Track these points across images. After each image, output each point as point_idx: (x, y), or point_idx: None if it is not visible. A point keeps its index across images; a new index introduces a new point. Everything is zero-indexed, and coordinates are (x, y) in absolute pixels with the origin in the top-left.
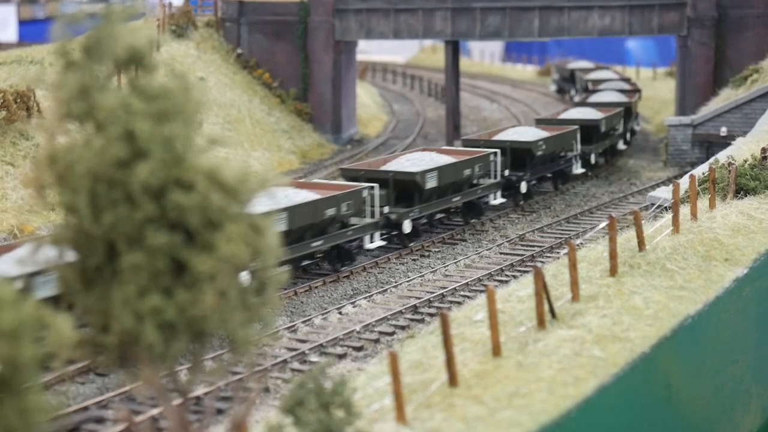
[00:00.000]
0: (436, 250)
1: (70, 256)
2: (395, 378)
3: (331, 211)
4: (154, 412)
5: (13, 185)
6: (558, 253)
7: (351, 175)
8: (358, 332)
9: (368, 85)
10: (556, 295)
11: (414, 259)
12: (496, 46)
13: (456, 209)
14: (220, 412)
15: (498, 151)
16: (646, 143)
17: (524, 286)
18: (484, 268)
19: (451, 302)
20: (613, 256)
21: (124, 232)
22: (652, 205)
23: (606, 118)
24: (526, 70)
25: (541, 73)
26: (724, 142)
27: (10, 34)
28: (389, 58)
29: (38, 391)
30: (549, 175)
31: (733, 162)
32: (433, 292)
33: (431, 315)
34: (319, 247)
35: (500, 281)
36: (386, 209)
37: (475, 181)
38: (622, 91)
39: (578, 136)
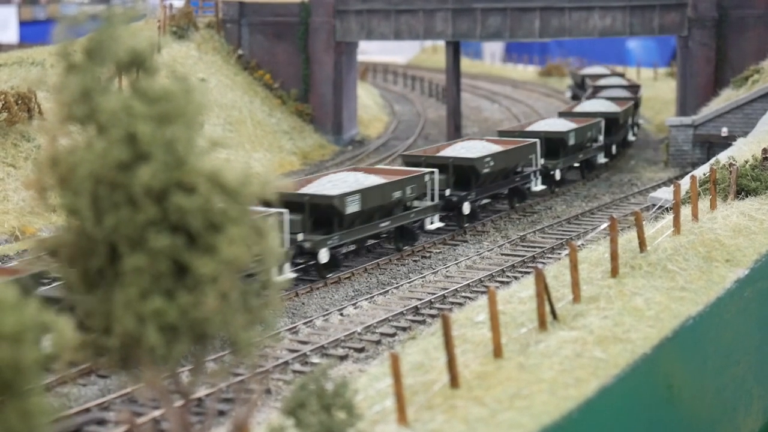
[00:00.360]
0: (437, 251)
1: (72, 258)
2: (396, 379)
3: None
4: (156, 413)
5: (15, 187)
6: (559, 254)
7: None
8: (360, 333)
9: (369, 86)
10: (558, 296)
11: (415, 260)
12: (496, 47)
13: (387, 234)
14: (221, 413)
15: (436, 170)
16: (648, 144)
17: (525, 288)
18: (485, 269)
19: (452, 303)
20: (614, 257)
21: (125, 234)
22: (653, 205)
23: (577, 129)
24: (527, 71)
25: (542, 74)
26: (725, 143)
27: (11, 35)
28: (390, 58)
29: (40, 393)
30: (504, 192)
31: (734, 163)
32: (435, 293)
33: (432, 316)
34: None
35: (501, 282)
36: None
37: (409, 204)
38: (615, 98)
39: (538, 149)
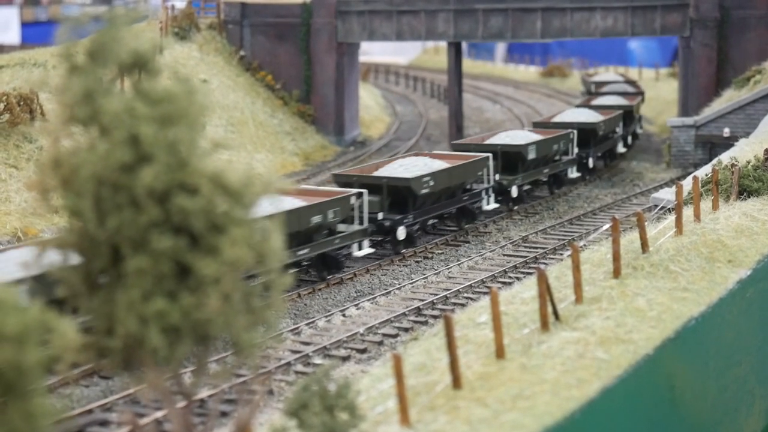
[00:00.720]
0: (439, 252)
1: (75, 259)
2: (399, 380)
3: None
4: (159, 414)
5: (17, 188)
6: (561, 254)
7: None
8: (362, 334)
9: (371, 87)
10: (560, 297)
11: (417, 261)
12: (499, 47)
13: (308, 263)
14: (224, 414)
15: (364, 191)
16: (649, 144)
17: (527, 288)
18: (487, 270)
19: (454, 304)
20: (616, 257)
21: (128, 235)
22: (655, 206)
23: (539, 142)
24: (528, 72)
25: (544, 75)
26: (727, 143)
27: (13, 36)
28: (392, 59)
29: (43, 394)
30: (451, 212)
31: (736, 163)
32: (437, 294)
33: (435, 317)
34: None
35: (503, 283)
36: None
37: (334, 229)
38: (603, 107)
39: (490, 164)
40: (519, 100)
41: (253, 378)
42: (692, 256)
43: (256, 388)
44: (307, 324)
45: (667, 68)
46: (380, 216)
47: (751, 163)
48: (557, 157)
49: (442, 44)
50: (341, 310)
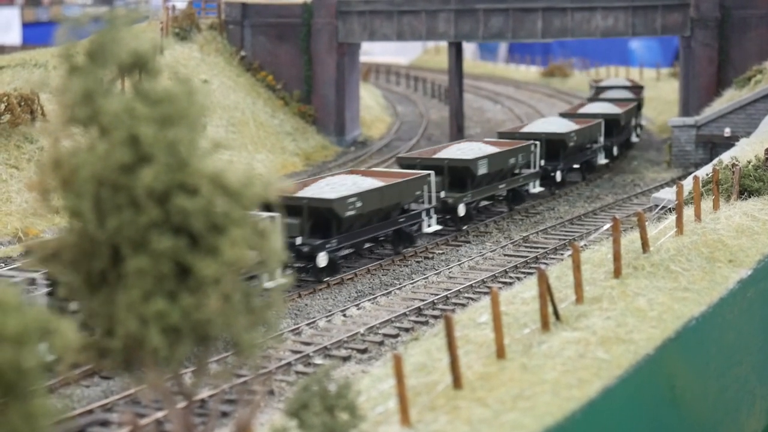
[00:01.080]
0: (440, 252)
1: (75, 260)
2: (399, 380)
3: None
4: (159, 415)
5: (18, 188)
6: (562, 254)
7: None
8: (362, 335)
9: (372, 87)
10: (560, 297)
11: (418, 261)
12: (499, 47)
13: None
14: (224, 415)
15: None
16: (650, 144)
17: (528, 288)
18: (487, 270)
19: (455, 304)
20: (617, 257)
21: (128, 236)
22: (656, 206)
23: (491, 156)
24: (529, 72)
25: (545, 75)
26: (728, 143)
27: (14, 36)
28: (392, 59)
29: (43, 394)
30: (386, 235)
31: (736, 163)
32: (437, 295)
33: (435, 317)
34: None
35: (504, 283)
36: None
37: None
38: (586, 115)
39: (432, 182)
40: (520, 100)
41: (254, 378)
42: (693, 256)
43: (257, 389)
44: (307, 324)
45: (668, 68)
46: (299, 241)
47: (751, 163)
48: (517, 171)
49: (443, 44)
50: (342, 310)
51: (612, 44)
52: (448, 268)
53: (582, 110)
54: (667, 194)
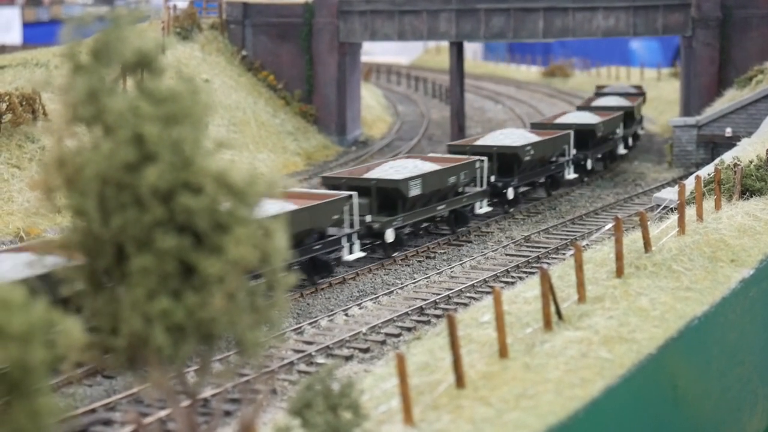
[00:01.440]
0: (442, 251)
1: (79, 259)
2: (402, 380)
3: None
4: (163, 414)
5: (19, 188)
6: (564, 254)
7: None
8: (365, 334)
9: (373, 87)
10: (563, 296)
11: (419, 261)
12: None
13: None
14: (228, 414)
15: None
16: (651, 144)
17: (530, 288)
18: (489, 270)
19: (457, 304)
20: (619, 257)
21: (132, 235)
22: (658, 206)
23: (426, 175)
24: (530, 71)
25: (546, 75)
26: (729, 143)
27: (15, 36)
28: (393, 59)
29: (48, 393)
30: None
31: (738, 163)
32: (439, 294)
33: (437, 316)
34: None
35: (506, 283)
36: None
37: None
38: (559, 125)
39: (355, 204)
40: (521, 99)
41: (257, 377)
42: (695, 256)
43: (260, 388)
44: (310, 323)
45: (669, 68)
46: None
47: (753, 163)
48: (459, 190)
49: (444, 44)
50: (344, 310)
51: (613, 44)
52: (450, 268)
53: (559, 120)
54: (669, 194)
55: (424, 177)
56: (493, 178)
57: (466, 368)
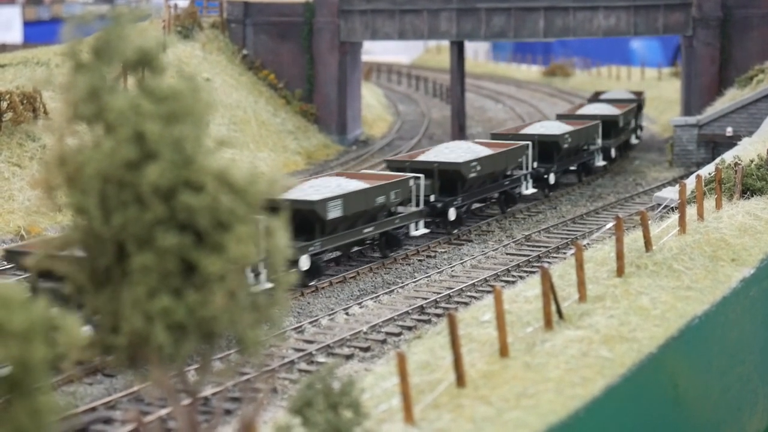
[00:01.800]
0: (442, 250)
1: (80, 257)
2: (403, 378)
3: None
4: (163, 412)
5: (20, 186)
6: (564, 253)
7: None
8: (365, 333)
9: (373, 86)
10: (563, 295)
11: (420, 260)
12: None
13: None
14: (228, 412)
15: None
16: (652, 143)
17: (531, 287)
18: (490, 269)
19: (457, 303)
20: (620, 256)
21: (133, 233)
22: (659, 205)
23: (348, 195)
24: (530, 71)
25: (546, 74)
26: (730, 143)
27: (16, 35)
28: (394, 58)
29: (48, 391)
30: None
31: (739, 162)
32: (440, 293)
33: (438, 316)
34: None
35: (507, 282)
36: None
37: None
38: (516, 136)
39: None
40: (521, 99)
41: (258, 376)
42: (696, 255)
43: (261, 386)
44: (310, 322)
45: (669, 68)
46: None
47: (754, 162)
48: (392, 210)
49: (444, 44)
50: (345, 309)
51: (613, 44)
52: (451, 267)
53: (525, 130)
54: (670, 193)
55: (345, 198)
56: (432, 198)
57: (467, 367)
